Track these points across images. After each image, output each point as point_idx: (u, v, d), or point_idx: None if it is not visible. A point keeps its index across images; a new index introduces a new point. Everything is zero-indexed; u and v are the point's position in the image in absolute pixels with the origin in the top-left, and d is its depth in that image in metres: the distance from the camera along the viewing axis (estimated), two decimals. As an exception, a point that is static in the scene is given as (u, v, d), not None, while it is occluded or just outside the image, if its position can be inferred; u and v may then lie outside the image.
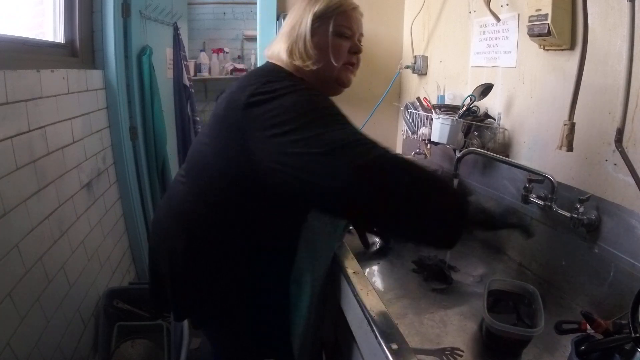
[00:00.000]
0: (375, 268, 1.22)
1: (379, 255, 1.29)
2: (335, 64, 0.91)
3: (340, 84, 0.96)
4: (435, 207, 0.67)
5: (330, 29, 0.91)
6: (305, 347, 1.03)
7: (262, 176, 0.76)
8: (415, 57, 1.93)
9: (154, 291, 1.07)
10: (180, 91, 2.84)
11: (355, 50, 0.96)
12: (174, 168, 2.62)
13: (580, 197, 1.00)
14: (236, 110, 0.80)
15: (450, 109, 1.49)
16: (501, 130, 1.39)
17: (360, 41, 0.97)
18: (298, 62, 0.90)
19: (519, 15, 1.30)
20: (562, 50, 1.13)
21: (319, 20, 0.91)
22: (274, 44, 0.96)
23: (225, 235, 0.92)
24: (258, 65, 2.22)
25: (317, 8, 0.91)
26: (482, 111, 1.46)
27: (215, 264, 0.94)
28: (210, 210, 0.91)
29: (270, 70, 0.92)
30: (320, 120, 0.73)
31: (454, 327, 0.95)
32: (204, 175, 0.91)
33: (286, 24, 0.96)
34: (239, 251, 0.94)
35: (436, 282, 1.13)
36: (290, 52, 0.91)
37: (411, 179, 0.67)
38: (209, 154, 0.89)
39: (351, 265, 1.07)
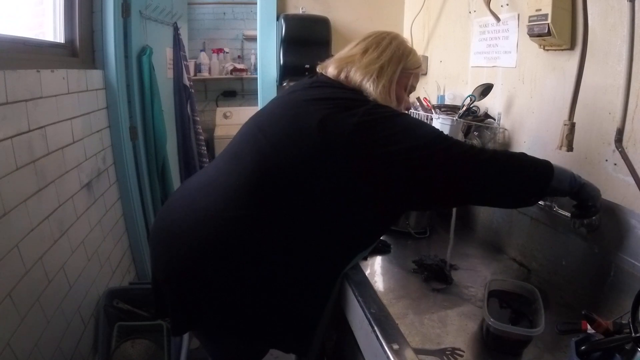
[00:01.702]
0: (376, 268, 1.22)
1: (379, 255, 1.29)
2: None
3: None
4: (524, 177, 0.88)
5: (408, 86, 1.02)
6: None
7: (375, 188, 0.86)
8: (415, 57, 1.93)
9: (161, 302, 1.04)
10: (180, 91, 2.83)
11: (408, 107, 1.09)
12: (174, 168, 2.62)
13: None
14: (343, 133, 0.85)
15: (450, 109, 1.49)
16: (501, 130, 1.39)
17: None
18: (381, 102, 0.95)
19: (519, 15, 1.30)
20: (562, 50, 1.13)
21: (404, 72, 0.99)
22: (352, 71, 0.98)
23: (290, 246, 0.90)
24: (258, 65, 2.22)
25: (408, 60, 0.99)
26: (482, 111, 1.46)
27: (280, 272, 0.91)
28: (284, 224, 0.89)
29: (359, 98, 0.95)
30: (426, 127, 0.94)
31: (455, 327, 0.95)
32: (283, 192, 0.88)
33: (370, 56, 0.98)
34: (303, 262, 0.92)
35: (436, 282, 1.13)
36: (377, 90, 0.96)
37: (505, 159, 0.89)
38: (293, 169, 0.88)
39: (352, 266, 1.07)
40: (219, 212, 0.91)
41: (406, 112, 1.07)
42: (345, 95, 0.95)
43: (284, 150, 0.90)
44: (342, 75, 0.99)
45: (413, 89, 1.06)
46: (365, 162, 0.85)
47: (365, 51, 0.99)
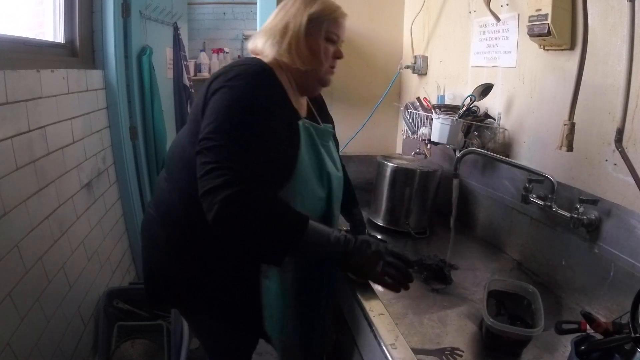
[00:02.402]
0: (375, 268, 1.22)
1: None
2: (322, 67, 0.97)
3: (322, 84, 1.01)
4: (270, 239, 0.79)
5: (322, 33, 0.95)
6: (292, 347, 1.03)
7: None
8: (415, 57, 1.93)
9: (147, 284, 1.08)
10: (180, 91, 2.84)
11: (338, 56, 1.00)
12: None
13: (581, 197, 1.00)
14: (201, 96, 0.87)
15: (450, 109, 1.49)
16: (501, 130, 1.39)
17: (340, 47, 1.02)
18: (287, 60, 0.94)
19: (519, 15, 1.30)
20: (562, 50, 1.13)
21: (313, 22, 0.94)
22: (259, 39, 0.98)
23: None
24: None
25: (313, 9, 0.94)
26: (482, 111, 1.46)
27: (197, 251, 0.95)
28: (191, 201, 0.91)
29: (239, 63, 0.94)
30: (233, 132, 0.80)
31: (454, 327, 0.95)
32: (183, 167, 0.92)
33: (276, 19, 0.98)
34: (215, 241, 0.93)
35: (436, 282, 1.13)
36: (280, 49, 0.94)
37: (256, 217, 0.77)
38: (187, 144, 0.91)
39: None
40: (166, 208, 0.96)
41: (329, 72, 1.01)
42: (234, 63, 0.94)
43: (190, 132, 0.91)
44: (252, 46, 1.00)
45: (334, 36, 0.97)
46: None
47: (274, 17, 0.99)
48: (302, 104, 1.04)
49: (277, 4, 2.13)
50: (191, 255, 0.95)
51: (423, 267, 1.17)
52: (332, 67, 1.00)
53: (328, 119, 1.14)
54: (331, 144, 1.07)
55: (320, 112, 1.11)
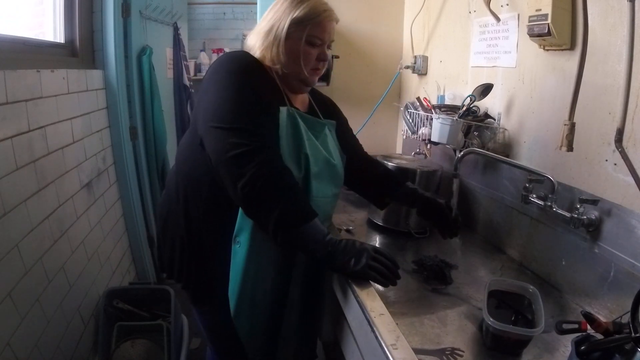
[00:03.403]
0: (375, 268, 1.22)
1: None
2: (304, 70, 0.98)
3: (306, 85, 1.04)
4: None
5: (304, 37, 0.96)
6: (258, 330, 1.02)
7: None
8: (415, 57, 1.93)
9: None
10: (180, 91, 2.84)
11: (323, 59, 1.01)
12: (174, 168, 2.62)
13: (581, 197, 1.00)
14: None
15: (450, 109, 1.49)
16: (501, 130, 1.39)
17: (329, 47, 1.03)
18: (268, 63, 0.99)
19: (519, 15, 1.30)
20: (562, 50, 1.13)
21: (296, 25, 0.95)
22: (251, 37, 1.03)
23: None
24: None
25: (296, 14, 0.95)
26: (482, 111, 1.46)
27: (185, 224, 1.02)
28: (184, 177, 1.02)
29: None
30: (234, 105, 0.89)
31: (454, 327, 0.95)
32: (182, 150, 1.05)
33: (265, 19, 1.00)
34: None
35: (436, 282, 1.13)
36: (264, 52, 0.99)
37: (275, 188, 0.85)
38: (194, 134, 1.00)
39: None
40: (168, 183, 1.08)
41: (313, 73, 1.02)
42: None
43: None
44: (247, 44, 1.04)
45: (317, 40, 0.97)
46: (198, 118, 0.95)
47: (263, 17, 1.02)
48: (299, 98, 1.07)
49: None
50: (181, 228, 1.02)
51: (423, 267, 1.17)
52: (316, 69, 1.01)
53: (333, 117, 1.16)
54: (328, 136, 1.08)
55: (324, 109, 1.14)
